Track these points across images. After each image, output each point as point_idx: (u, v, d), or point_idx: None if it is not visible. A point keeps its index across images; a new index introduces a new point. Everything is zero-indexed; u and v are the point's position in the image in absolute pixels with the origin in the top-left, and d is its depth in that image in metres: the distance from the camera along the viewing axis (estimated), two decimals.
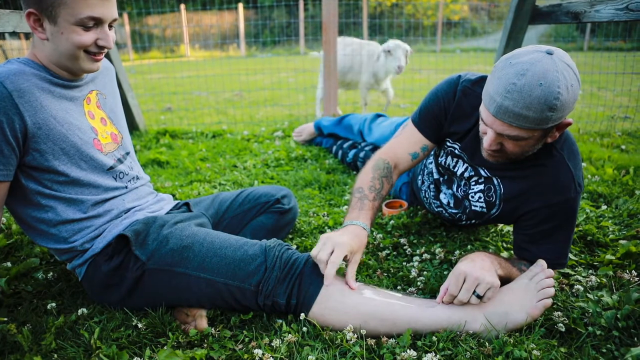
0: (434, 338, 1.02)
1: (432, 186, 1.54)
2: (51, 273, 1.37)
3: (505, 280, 1.14)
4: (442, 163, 1.42)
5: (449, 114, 1.30)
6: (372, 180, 1.32)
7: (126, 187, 1.24)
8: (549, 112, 0.96)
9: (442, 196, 1.49)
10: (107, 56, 2.85)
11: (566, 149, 1.16)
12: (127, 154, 1.29)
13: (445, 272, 1.37)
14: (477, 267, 1.05)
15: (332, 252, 1.07)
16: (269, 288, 1.07)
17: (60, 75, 1.11)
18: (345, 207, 1.87)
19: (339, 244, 1.08)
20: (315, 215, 1.84)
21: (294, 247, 1.53)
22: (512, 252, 1.48)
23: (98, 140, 1.17)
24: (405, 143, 1.40)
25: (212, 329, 1.08)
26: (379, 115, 2.38)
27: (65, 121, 1.09)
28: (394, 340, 1.02)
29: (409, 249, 1.52)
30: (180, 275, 1.10)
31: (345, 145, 2.49)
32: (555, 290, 1.21)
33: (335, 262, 1.05)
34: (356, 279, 1.29)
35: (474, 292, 1.03)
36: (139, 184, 1.30)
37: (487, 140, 1.09)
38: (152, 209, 1.29)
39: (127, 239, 1.14)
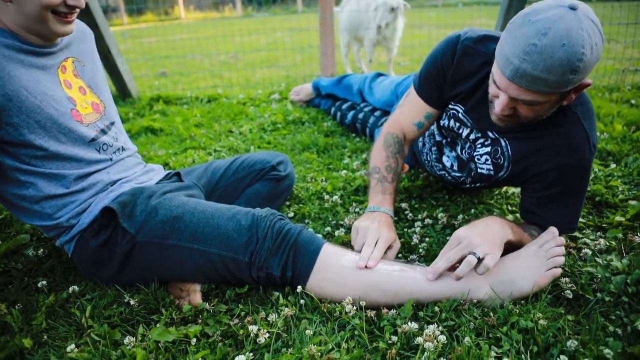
0: (437, 308, 0.99)
1: (434, 148, 1.50)
2: (42, 250, 1.34)
3: (516, 247, 1.10)
4: (445, 125, 1.36)
5: (447, 76, 1.23)
6: (387, 160, 1.32)
7: (111, 160, 1.19)
8: (571, 74, 0.89)
9: (444, 159, 1.45)
10: (93, 20, 2.73)
11: (581, 108, 1.10)
12: (112, 124, 1.23)
13: (448, 238, 1.32)
14: (475, 233, 1.01)
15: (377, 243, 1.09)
16: (262, 260, 1.04)
17: (31, 41, 1.03)
18: (345, 171, 1.85)
19: (383, 235, 1.11)
20: (313, 180, 1.82)
21: (291, 214, 1.54)
22: (517, 215, 1.44)
23: (77, 110, 1.11)
24: (408, 113, 1.35)
25: (207, 304, 1.06)
26: (379, 75, 2.31)
27: (38, 92, 1.02)
28: (395, 311, 1.00)
29: (410, 214, 1.49)
30: (172, 247, 1.07)
31: (344, 107, 2.46)
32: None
33: (380, 250, 1.07)
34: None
35: (471, 253, 0.99)
36: (125, 155, 1.25)
37: (499, 105, 1.02)
38: (140, 181, 1.25)
39: (113, 212, 1.10)
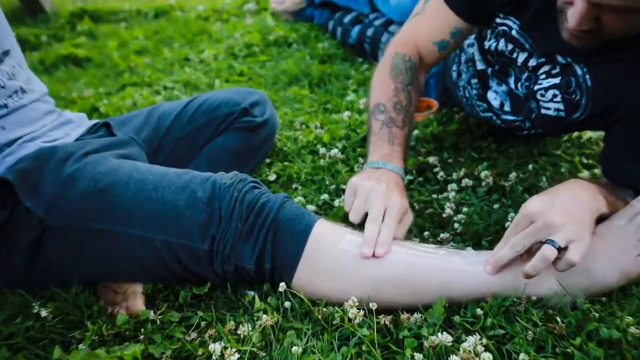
0: (479, 311, 0.97)
1: (474, 81, 1.48)
2: None
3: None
4: (492, 48, 1.33)
5: None
6: (395, 93, 1.31)
7: (5, 106, 1.15)
8: None
9: (491, 96, 1.43)
10: None
11: None
12: (5, 54, 1.18)
13: (496, 207, 1.32)
14: (555, 208, 0.97)
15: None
16: (228, 247, 1.03)
17: None
18: (348, 113, 1.85)
19: (393, 204, 1.10)
20: (304, 127, 1.81)
21: (273, 177, 1.56)
22: (596, 171, 1.43)
23: None
24: (427, 26, 1.34)
25: (152, 312, 1.05)
26: None
27: None
28: (420, 316, 0.98)
29: (441, 173, 1.48)
30: (98, 233, 1.05)
31: (346, 20, 2.46)
32: None
33: (391, 228, 1.06)
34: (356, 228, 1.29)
35: (548, 240, 0.95)
36: (28, 99, 1.21)
37: (575, 15, 0.97)
38: (52, 137, 1.21)
39: (10, 185, 1.07)
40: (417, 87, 1.35)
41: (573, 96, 1.20)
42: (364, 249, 1.02)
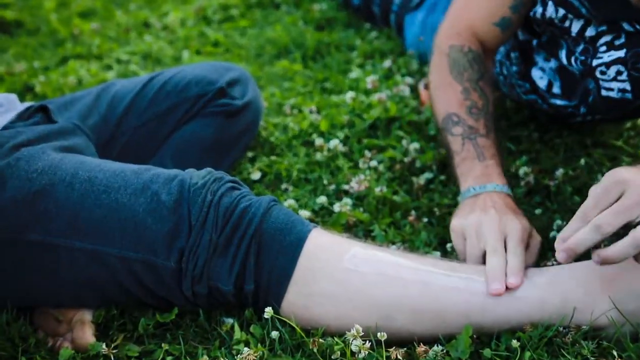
0: (515, 342, 0.98)
1: (514, 54, 1.50)
2: None
3: None
4: (539, 16, 1.34)
5: None
6: (466, 96, 1.33)
7: None
8: None
9: (536, 74, 1.45)
10: None
11: None
12: None
13: (538, 212, 1.33)
14: None
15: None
16: (199, 264, 1.03)
17: None
18: (351, 93, 1.85)
19: (512, 228, 1.11)
20: (296, 112, 1.82)
21: (257, 175, 1.57)
22: None
23: None
24: (479, 7, 1.38)
25: (104, 345, 1.05)
26: None
27: None
28: (440, 348, 0.99)
29: None
30: (34, 246, 1.06)
31: None
32: None
33: (519, 254, 1.07)
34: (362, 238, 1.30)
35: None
36: None
37: None
38: None
39: None
40: (489, 81, 1.37)
41: None
42: (492, 285, 1.00)
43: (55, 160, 1.11)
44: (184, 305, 1.10)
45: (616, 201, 0.94)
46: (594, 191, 0.97)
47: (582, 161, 1.48)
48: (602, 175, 1.39)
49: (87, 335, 1.07)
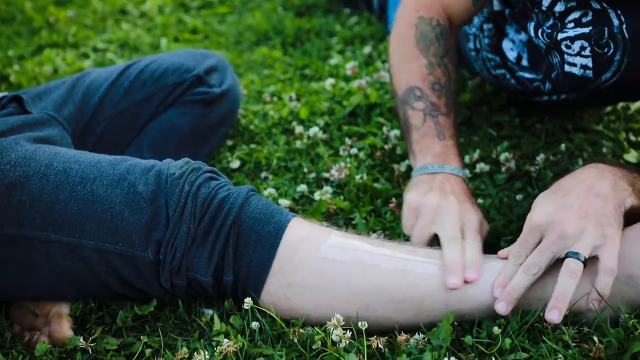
0: (496, 329, 0.98)
1: (487, 26, 1.50)
2: None
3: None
4: None
5: None
6: (430, 70, 1.32)
7: None
8: None
9: (506, 45, 1.46)
10: None
11: None
12: None
13: (519, 198, 1.34)
14: (566, 210, 0.99)
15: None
16: (177, 255, 1.03)
17: None
18: (331, 80, 1.85)
19: (471, 218, 1.13)
20: (275, 99, 1.82)
21: (236, 164, 1.57)
22: None
23: None
24: None
25: (82, 338, 1.04)
26: None
27: None
28: (421, 336, 1.00)
29: None
30: (8, 239, 1.05)
31: None
32: None
33: (478, 246, 1.09)
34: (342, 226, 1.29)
35: (570, 253, 0.97)
36: None
37: None
38: None
39: None
40: (453, 58, 1.36)
41: (605, 49, 1.21)
42: (450, 279, 1.01)
43: (29, 151, 1.10)
44: (162, 297, 1.10)
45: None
46: (521, 236, 1.03)
47: (563, 146, 1.49)
48: (583, 160, 1.42)
49: (64, 329, 1.07)
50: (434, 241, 1.13)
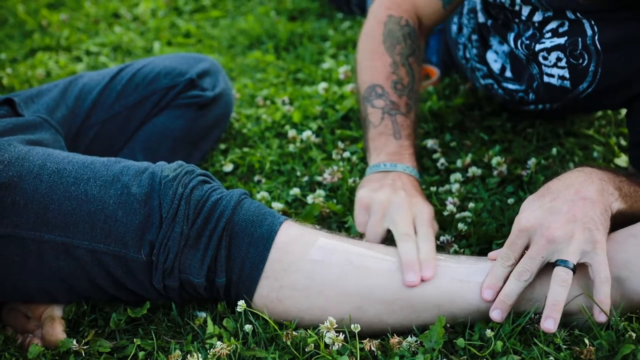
0: (488, 332, 0.99)
1: (475, 37, 1.49)
2: None
3: (629, 218, 1.08)
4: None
5: None
6: (393, 69, 1.32)
7: None
8: None
9: (490, 56, 1.46)
10: None
11: None
12: None
13: (511, 202, 1.34)
14: (553, 216, 0.99)
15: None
16: (170, 257, 1.03)
17: None
18: (324, 84, 1.85)
19: (422, 211, 1.13)
20: (268, 103, 1.82)
21: (229, 167, 1.57)
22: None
23: None
24: None
25: (75, 341, 1.04)
26: None
27: None
28: (414, 339, 1.00)
29: (442, 160, 1.50)
30: (2, 239, 1.05)
31: None
32: None
33: (431, 240, 1.09)
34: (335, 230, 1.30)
35: (559, 261, 0.97)
36: None
37: None
38: None
39: None
40: (419, 59, 1.36)
41: (580, 60, 1.21)
42: (408, 277, 1.01)
43: (22, 152, 1.10)
44: (155, 299, 1.10)
45: (527, 246, 1.01)
46: (508, 239, 1.03)
47: (554, 150, 1.49)
48: (574, 164, 1.42)
49: (57, 331, 1.07)
50: (388, 237, 1.13)
